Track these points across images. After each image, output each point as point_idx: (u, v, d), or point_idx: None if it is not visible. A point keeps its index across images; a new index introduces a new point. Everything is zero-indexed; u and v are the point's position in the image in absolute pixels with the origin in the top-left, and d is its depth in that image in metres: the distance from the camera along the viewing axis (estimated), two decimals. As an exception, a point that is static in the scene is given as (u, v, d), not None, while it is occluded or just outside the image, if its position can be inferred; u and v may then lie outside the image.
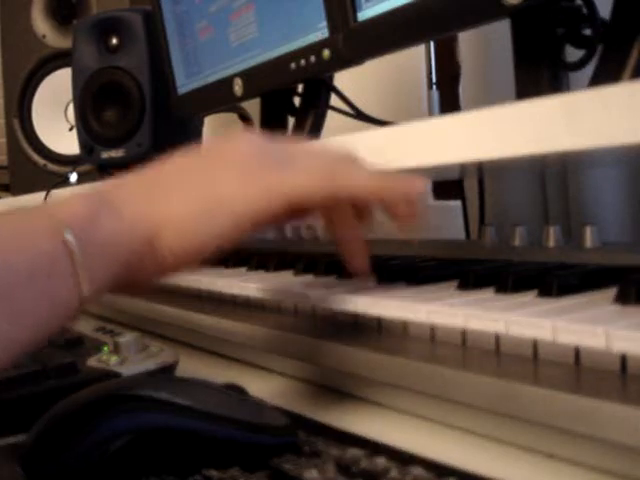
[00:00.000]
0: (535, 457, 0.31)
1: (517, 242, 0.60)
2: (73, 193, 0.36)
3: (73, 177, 1.28)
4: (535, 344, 0.34)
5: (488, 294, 0.43)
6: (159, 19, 0.99)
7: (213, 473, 0.32)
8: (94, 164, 1.18)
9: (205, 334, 0.55)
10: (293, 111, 0.87)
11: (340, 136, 0.56)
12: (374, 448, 0.33)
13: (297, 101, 0.87)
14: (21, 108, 1.44)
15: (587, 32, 0.51)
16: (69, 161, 1.39)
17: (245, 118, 1.15)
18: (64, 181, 1.26)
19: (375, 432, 0.36)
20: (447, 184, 1.07)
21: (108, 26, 1.13)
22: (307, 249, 0.75)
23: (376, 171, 0.42)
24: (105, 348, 0.49)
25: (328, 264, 0.56)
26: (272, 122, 0.88)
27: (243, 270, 0.67)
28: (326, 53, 0.70)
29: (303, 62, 0.73)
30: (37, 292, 0.31)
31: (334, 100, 0.86)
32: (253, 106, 0.97)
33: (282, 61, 0.77)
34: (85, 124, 1.15)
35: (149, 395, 0.34)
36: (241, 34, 0.84)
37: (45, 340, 0.33)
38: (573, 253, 0.54)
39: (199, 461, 0.33)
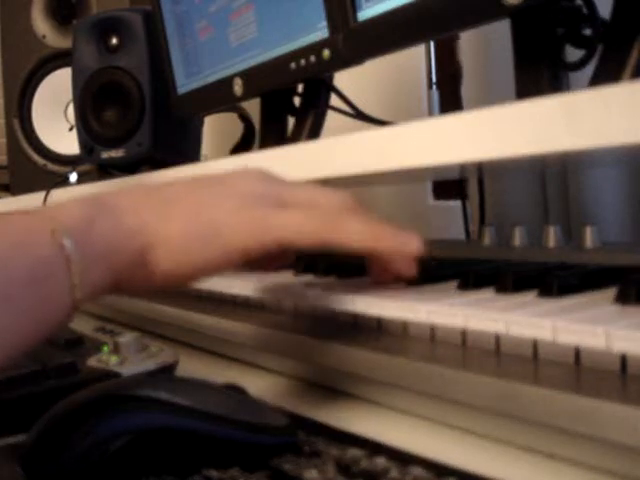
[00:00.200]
0: (535, 457, 0.31)
1: (517, 242, 0.60)
2: (74, 197, 0.37)
3: (73, 177, 1.28)
4: (535, 344, 0.34)
5: (488, 294, 0.43)
6: (159, 19, 0.99)
7: (213, 473, 0.32)
8: (94, 164, 1.18)
9: (205, 334, 0.55)
10: (293, 111, 0.87)
11: (340, 136, 0.56)
12: (374, 448, 0.33)
13: (297, 101, 0.87)
14: (21, 108, 1.44)
15: (587, 32, 0.51)
16: (69, 161, 1.39)
17: (245, 118, 1.15)
18: (64, 181, 1.26)
19: (375, 432, 0.36)
20: (447, 184, 1.07)
21: (108, 26, 1.13)
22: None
23: (374, 225, 0.41)
24: (105, 348, 0.49)
25: (328, 264, 0.56)
26: (272, 122, 0.88)
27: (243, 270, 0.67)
28: (326, 53, 0.70)
29: (303, 62, 0.73)
30: (34, 295, 0.31)
31: (334, 100, 0.86)
32: (253, 106, 0.97)
33: (282, 61, 0.77)
34: (85, 124, 1.15)
35: (149, 395, 0.34)
36: (241, 34, 0.84)
37: (38, 343, 0.33)
38: (573, 253, 0.54)
39: (199, 461, 0.33)
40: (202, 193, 0.40)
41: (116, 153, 1.12)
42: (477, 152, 0.44)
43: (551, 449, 0.31)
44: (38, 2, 1.43)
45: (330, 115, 0.85)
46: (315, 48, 0.72)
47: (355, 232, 0.40)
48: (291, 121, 0.87)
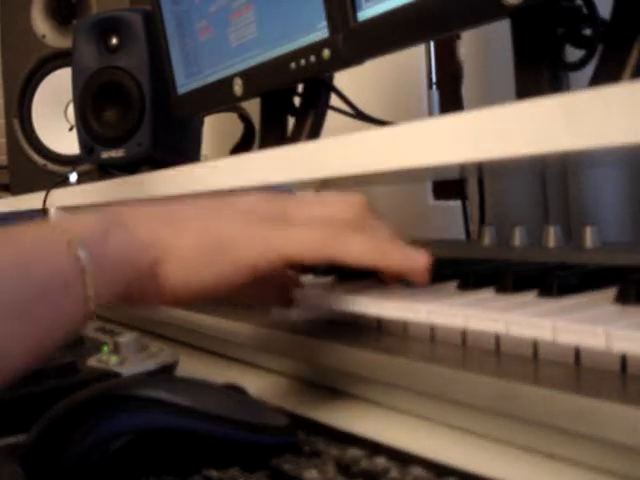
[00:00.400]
0: (535, 457, 0.31)
1: (517, 242, 0.60)
2: (87, 212, 0.37)
3: (73, 177, 1.28)
4: (535, 344, 0.34)
5: (488, 294, 0.43)
6: (159, 19, 0.98)
7: (213, 473, 0.32)
8: (94, 164, 1.18)
9: (205, 334, 0.55)
10: (293, 111, 0.87)
11: (340, 136, 0.56)
12: (374, 448, 0.33)
13: (297, 101, 0.87)
14: (21, 108, 1.44)
15: (587, 32, 0.51)
16: (69, 161, 1.39)
17: (245, 118, 1.15)
18: (64, 181, 1.26)
19: (375, 432, 0.36)
20: (447, 184, 1.07)
21: (108, 26, 1.13)
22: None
23: (378, 240, 0.41)
24: (105, 348, 0.49)
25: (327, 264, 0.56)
26: (272, 122, 0.88)
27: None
28: (326, 53, 0.70)
29: (303, 62, 0.73)
30: (49, 304, 0.32)
31: (334, 100, 0.86)
32: (253, 106, 0.97)
33: (282, 61, 0.77)
34: (85, 124, 1.15)
35: (149, 395, 0.34)
36: (241, 34, 0.84)
37: (52, 351, 0.34)
38: (573, 253, 0.54)
39: (199, 461, 0.33)
40: (210, 211, 0.41)
41: (116, 153, 1.12)
42: (477, 152, 0.44)
43: (551, 449, 0.31)
44: (38, 2, 1.43)
45: (330, 115, 0.85)
46: (315, 48, 0.71)
47: (358, 249, 0.40)
48: (291, 121, 0.87)
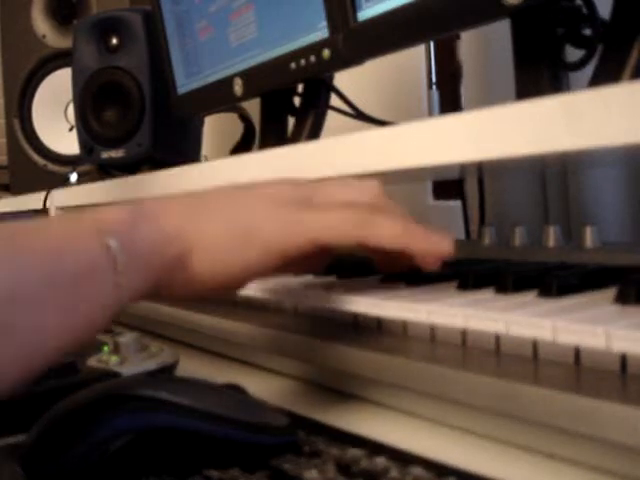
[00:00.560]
0: (535, 457, 0.31)
1: (517, 242, 0.60)
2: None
3: (73, 177, 1.28)
4: (535, 344, 0.34)
5: (488, 294, 0.43)
6: (159, 19, 0.99)
7: (213, 473, 0.32)
8: (94, 164, 1.18)
9: (205, 334, 0.55)
10: (293, 111, 0.87)
11: (340, 136, 0.56)
12: (374, 448, 0.33)
13: (297, 101, 0.87)
14: (21, 108, 1.44)
15: (587, 32, 0.51)
16: (69, 161, 1.39)
17: (245, 118, 1.15)
18: (64, 181, 1.26)
19: (375, 432, 0.36)
20: (447, 184, 1.07)
21: (108, 26, 1.13)
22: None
23: (405, 223, 0.41)
24: (105, 348, 0.49)
25: (328, 264, 0.56)
26: (272, 122, 0.88)
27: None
28: (326, 53, 0.70)
29: (303, 62, 0.73)
30: (81, 293, 0.32)
31: (334, 100, 0.86)
32: (253, 106, 0.97)
33: (282, 61, 0.77)
34: (85, 124, 1.15)
35: (149, 395, 0.34)
36: (241, 34, 0.84)
37: (83, 342, 0.33)
38: (573, 253, 0.54)
39: (199, 461, 0.33)
40: (236, 198, 0.41)
41: (116, 153, 1.12)
42: (477, 152, 0.44)
43: (551, 449, 0.31)
44: (38, 2, 1.43)
45: (330, 115, 0.85)
46: (315, 48, 0.72)
47: (390, 232, 0.40)
48: (291, 121, 0.87)
